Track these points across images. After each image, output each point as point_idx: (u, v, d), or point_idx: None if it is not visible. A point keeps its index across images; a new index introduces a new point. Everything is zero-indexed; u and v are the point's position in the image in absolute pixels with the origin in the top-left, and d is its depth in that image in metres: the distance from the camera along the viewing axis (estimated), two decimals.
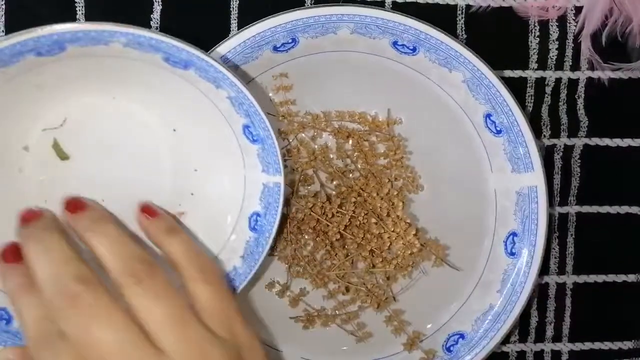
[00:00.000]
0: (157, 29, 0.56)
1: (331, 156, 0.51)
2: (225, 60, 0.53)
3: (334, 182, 0.51)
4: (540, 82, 0.52)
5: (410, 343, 0.51)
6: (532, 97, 0.53)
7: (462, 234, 0.51)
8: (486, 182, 0.51)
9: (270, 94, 0.50)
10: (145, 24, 0.50)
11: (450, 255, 0.52)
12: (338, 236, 0.49)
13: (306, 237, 0.51)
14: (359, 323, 0.52)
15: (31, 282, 0.33)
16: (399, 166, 0.51)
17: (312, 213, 0.48)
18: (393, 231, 0.49)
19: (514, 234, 0.50)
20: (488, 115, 0.50)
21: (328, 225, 0.48)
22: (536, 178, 0.50)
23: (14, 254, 0.35)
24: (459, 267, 0.52)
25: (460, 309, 0.52)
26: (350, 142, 0.51)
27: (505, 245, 0.51)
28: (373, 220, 0.49)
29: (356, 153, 0.51)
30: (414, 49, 0.53)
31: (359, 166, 0.51)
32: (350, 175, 0.51)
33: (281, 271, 0.52)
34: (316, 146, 0.51)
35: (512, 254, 0.51)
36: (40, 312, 0.33)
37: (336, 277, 0.50)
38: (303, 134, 0.51)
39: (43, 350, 0.32)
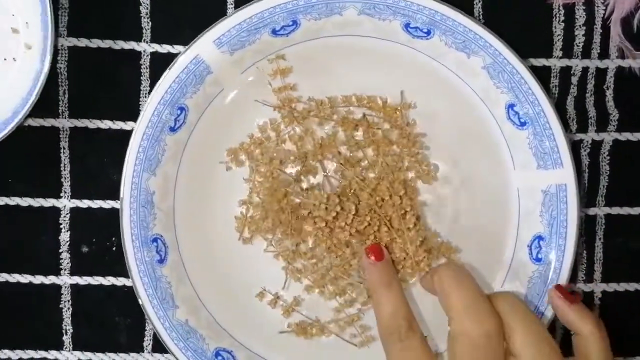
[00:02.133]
0: (147, 10, 0.48)
1: (339, 147, 0.44)
2: (219, 45, 0.44)
3: (340, 174, 0.43)
4: (566, 72, 0.46)
5: None
6: (557, 88, 0.46)
7: (480, 237, 0.44)
8: (508, 181, 0.44)
9: (268, 80, 0.44)
10: (134, 4, 0.42)
11: (466, 261, 0.45)
12: (347, 235, 0.41)
13: (309, 229, 0.43)
14: (362, 326, 0.44)
15: (389, 280, 0.40)
16: (414, 161, 0.44)
17: (320, 216, 0.39)
18: (401, 246, 0.42)
19: (540, 238, 0.44)
20: (511, 106, 0.43)
21: (333, 228, 0.40)
22: (565, 175, 0.42)
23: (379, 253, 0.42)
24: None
25: None
26: (360, 131, 0.43)
27: (530, 250, 0.44)
28: (384, 229, 0.42)
29: (367, 143, 0.44)
30: (428, 32, 0.44)
31: (370, 155, 0.44)
32: (359, 167, 0.43)
33: (272, 276, 0.45)
34: (323, 134, 0.44)
35: (537, 259, 0.44)
36: (391, 309, 0.40)
37: (339, 275, 0.43)
38: (308, 122, 0.44)
39: (388, 338, 0.40)
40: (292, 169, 0.44)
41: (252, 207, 0.44)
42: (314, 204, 0.43)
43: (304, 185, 0.44)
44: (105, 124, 0.46)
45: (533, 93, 0.43)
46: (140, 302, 0.46)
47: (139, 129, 0.44)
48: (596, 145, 0.46)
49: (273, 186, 0.43)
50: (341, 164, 0.45)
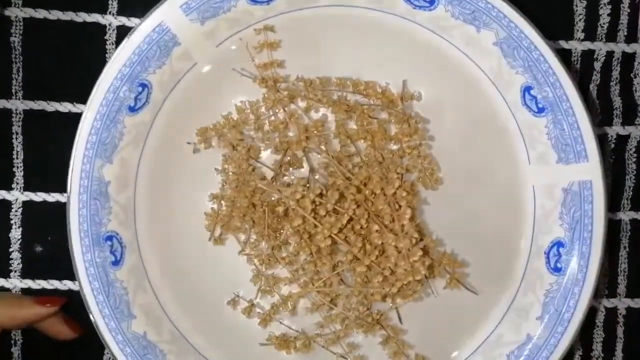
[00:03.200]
0: None
1: (330, 136, 0.37)
2: (186, 11, 0.37)
3: (330, 169, 0.37)
4: (588, 57, 0.40)
5: None
6: (578, 75, 0.40)
7: (489, 243, 0.38)
8: (522, 177, 0.38)
9: (251, 55, 0.37)
10: None
11: (473, 270, 0.39)
12: (328, 242, 0.33)
13: (287, 234, 0.37)
14: (350, 344, 0.38)
15: None
16: (415, 155, 0.37)
17: (298, 207, 0.31)
18: (395, 246, 0.34)
19: (560, 244, 0.37)
20: (527, 89, 0.36)
21: (316, 227, 0.31)
22: (591, 170, 0.36)
23: None
24: (477, 290, 0.38)
25: (486, 341, 0.38)
26: (354, 119, 0.37)
27: (548, 258, 0.38)
28: (375, 227, 0.35)
29: (361, 134, 0.37)
30: (432, 2, 0.37)
31: (364, 151, 0.37)
32: (350, 163, 0.37)
33: (247, 282, 0.39)
34: (310, 121, 0.37)
35: (556, 269, 0.37)
36: None
37: (318, 294, 0.37)
38: (294, 105, 0.37)
39: None
40: (271, 160, 0.38)
41: (225, 202, 0.35)
42: (293, 198, 0.35)
43: (286, 179, 0.37)
44: (65, 107, 0.40)
45: (554, 73, 0.36)
46: (89, 312, 0.38)
47: (91, 108, 0.37)
48: (622, 140, 0.41)
49: (240, 179, 0.38)
50: (330, 156, 0.37)
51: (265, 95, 0.39)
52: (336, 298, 0.39)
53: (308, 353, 0.39)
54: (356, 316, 0.38)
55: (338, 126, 0.37)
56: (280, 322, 0.40)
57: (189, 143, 0.39)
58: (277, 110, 0.39)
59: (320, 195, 0.37)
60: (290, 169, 0.38)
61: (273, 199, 0.38)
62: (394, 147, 0.39)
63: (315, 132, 0.37)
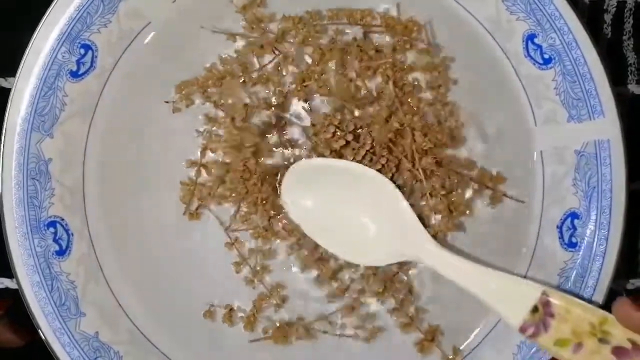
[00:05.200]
0: None
1: (331, 81, 0.32)
2: None
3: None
4: (597, 8, 0.36)
5: (423, 343, 0.32)
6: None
7: (489, 221, 0.33)
8: (528, 142, 0.33)
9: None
10: None
11: (473, 250, 0.34)
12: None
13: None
14: (362, 315, 0.33)
15: None
16: (441, 102, 0.32)
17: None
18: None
19: (574, 215, 0.32)
20: (530, 37, 0.32)
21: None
22: (608, 127, 0.31)
23: None
24: (522, 199, 0.33)
25: (493, 330, 0.34)
26: (353, 56, 0.32)
27: (561, 232, 0.33)
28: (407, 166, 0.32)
29: (369, 72, 0.32)
30: None
31: (376, 86, 0.33)
32: (369, 108, 0.32)
33: (223, 268, 0.34)
34: (308, 61, 0.33)
35: (571, 245, 0.32)
36: None
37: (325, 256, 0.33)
38: (285, 49, 0.32)
39: None
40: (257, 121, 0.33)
41: (215, 167, 0.32)
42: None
43: (286, 137, 0.33)
44: (9, 82, 0.35)
45: (561, 15, 0.31)
46: (28, 310, 0.32)
47: (24, 72, 0.32)
48: (638, 100, 0.37)
49: (234, 138, 0.33)
50: (334, 99, 0.32)
51: (250, 43, 0.33)
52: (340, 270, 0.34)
53: (310, 341, 0.34)
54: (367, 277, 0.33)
55: (338, 67, 0.32)
56: (269, 319, 0.34)
57: (167, 102, 0.34)
58: (265, 62, 0.33)
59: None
60: (288, 128, 0.34)
61: (269, 162, 0.33)
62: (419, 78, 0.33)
63: (316, 76, 0.32)
